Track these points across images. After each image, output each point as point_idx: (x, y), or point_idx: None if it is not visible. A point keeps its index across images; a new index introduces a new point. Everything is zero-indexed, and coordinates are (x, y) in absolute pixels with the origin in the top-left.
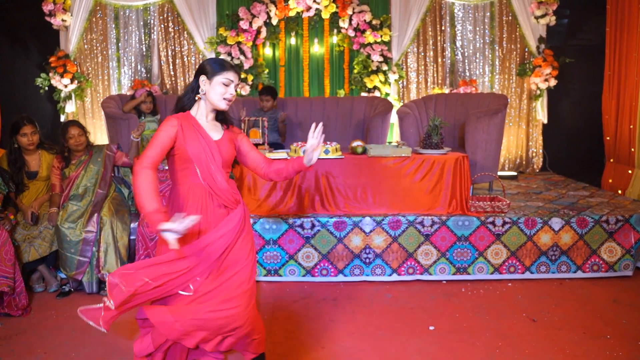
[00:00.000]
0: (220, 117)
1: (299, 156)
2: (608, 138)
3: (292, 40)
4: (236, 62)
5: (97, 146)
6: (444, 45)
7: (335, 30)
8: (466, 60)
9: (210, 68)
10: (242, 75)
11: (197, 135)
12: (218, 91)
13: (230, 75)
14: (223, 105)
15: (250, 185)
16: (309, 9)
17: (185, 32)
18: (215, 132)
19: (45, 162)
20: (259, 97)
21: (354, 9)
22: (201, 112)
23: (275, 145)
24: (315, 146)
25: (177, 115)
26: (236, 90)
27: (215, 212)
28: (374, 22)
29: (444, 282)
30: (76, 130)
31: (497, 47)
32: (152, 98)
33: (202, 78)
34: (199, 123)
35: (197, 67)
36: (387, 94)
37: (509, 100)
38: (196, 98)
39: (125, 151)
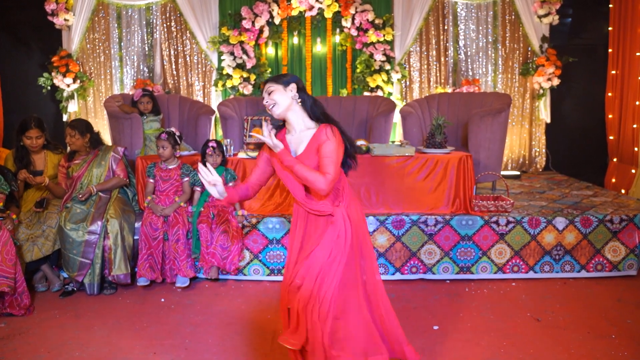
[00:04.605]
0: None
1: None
2: (611, 137)
3: (295, 40)
4: (238, 61)
5: (105, 147)
6: (447, 44)
7: (337, 30)
8: (469, 60)
9: None
10: (245, 75)
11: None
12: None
13: (265, 86)
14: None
15: None
16: (311, 8)
17: (187, 32)
18: (302, 144)
19: (50, 162)
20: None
21: (356, 8)
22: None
23: None
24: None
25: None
26: (268, 95)
27: (312, 222)
28: (376, 21)
29: (448, 281)
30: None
31: (500, 47)
32: (151, 98)
33: None
34: (285, 138)
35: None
36: (390, 94)
37: (512, 99)
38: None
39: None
